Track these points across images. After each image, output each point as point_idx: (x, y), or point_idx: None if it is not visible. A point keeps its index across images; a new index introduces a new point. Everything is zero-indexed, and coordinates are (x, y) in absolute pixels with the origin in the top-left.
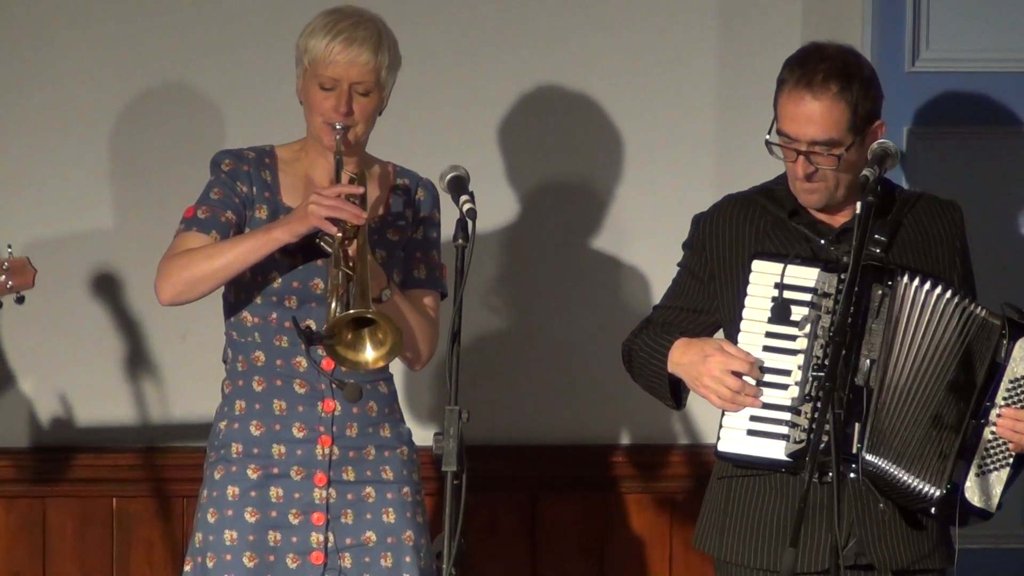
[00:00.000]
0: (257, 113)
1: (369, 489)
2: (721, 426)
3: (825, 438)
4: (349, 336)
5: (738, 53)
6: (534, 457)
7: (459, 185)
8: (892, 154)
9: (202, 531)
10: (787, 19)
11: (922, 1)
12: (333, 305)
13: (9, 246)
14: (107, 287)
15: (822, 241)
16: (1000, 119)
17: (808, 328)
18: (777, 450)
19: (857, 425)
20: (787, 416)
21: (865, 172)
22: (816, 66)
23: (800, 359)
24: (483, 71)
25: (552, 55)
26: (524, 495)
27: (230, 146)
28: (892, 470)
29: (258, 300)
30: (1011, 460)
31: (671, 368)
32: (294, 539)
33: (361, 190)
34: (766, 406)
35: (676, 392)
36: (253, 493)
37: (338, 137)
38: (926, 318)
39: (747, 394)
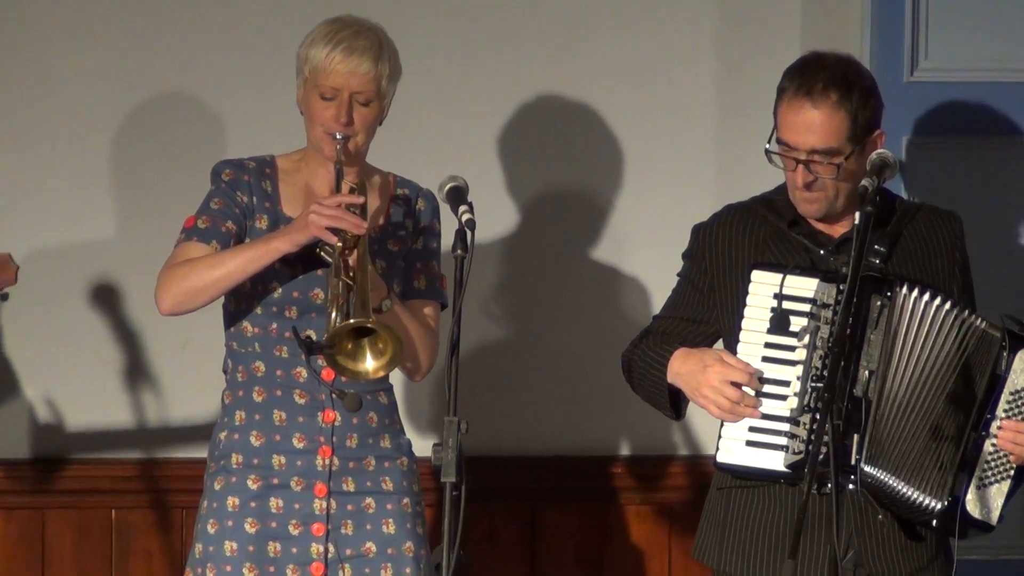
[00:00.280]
0: (257, 123)
1: (369, 500)
2: (720, 437)
3: (824, 449)
4: (349, 346)
5: (737, 63)
6: (533, 468)
7: (458, 195)
8: (891, 164)
9: (202, 542)
10: (786, 29)
11: (921, 11)
12: (333, 315)
13: None
14: (107, 297)
15: (821, 251)
16: (999, 129)
17: (807, 339)
18: (776, 461)
19: (856, 436)
20: (786, 427)
21: (864, 182)
22: (816, 75)
23: (799, 370)
24: (483, 81)
25: (552, 65)
26: (523, 506)
27: (230, 156)
28: (891, 482)
29: (258, 310)
30: (1012, 472)
31: (670, 378)
32: (294, 550)
33: (361, 200)
34: (765, 417)
35: (676, 402)
36: (253, 504)
37: (338, 147)
38: (925, 329)
39: (746, 405)
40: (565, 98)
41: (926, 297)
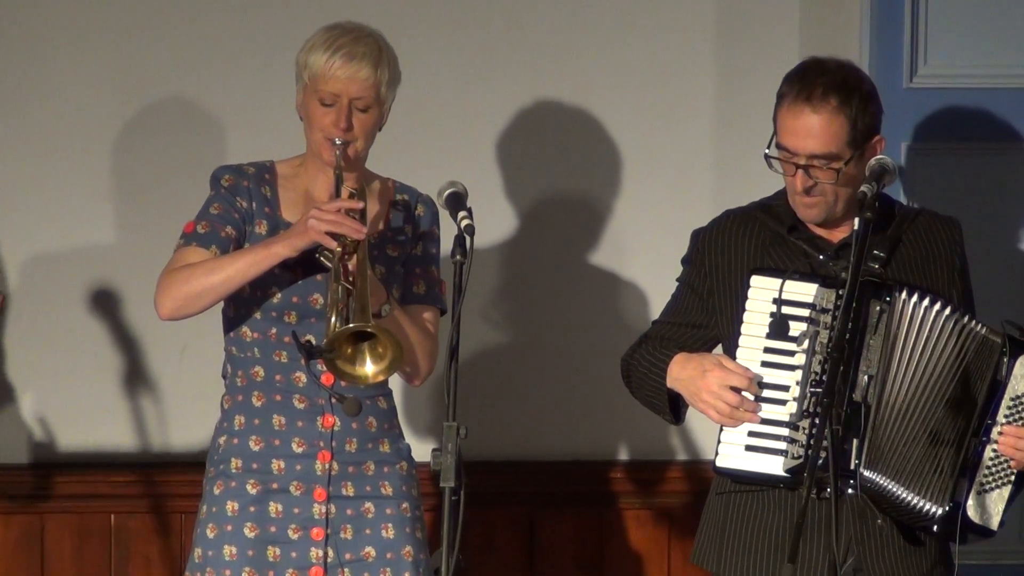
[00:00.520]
0: (257, 128)
1: (368, 504)
2: (719, 441)
3: (823, 454)
4: (349, 350)
5: (736, 69)
6: (532, 473)
7: (457, 201)
8: (890, 170)
9: (201, 546)
10: (785, 35)
11: (920, 17)
12: (333, 319)
13: None
14: (106, 302)
15: (821, 256)
16: (999, 135)
17: (806, 344)
18: (775, 466)
19: (855, 441)
20: (785, 432)
21: (863, 188)
22: (815, 80)
23: (798, 375)
24: (482, 86)
25: (550, 70)
26: (522, 511)
27: (230, 161)
28: (891, 486)
29: (258, 315)
30: (1012, 478)
31: (670, 383)
32: (293, 554)
33: (361, 205)
34: (764, 421)
35: (675, 407)
36: (252, 508)
37: (338, 152)
38: (924, 334)
39: (746, 409)
40: (564, 104)
41: (925, 302)
